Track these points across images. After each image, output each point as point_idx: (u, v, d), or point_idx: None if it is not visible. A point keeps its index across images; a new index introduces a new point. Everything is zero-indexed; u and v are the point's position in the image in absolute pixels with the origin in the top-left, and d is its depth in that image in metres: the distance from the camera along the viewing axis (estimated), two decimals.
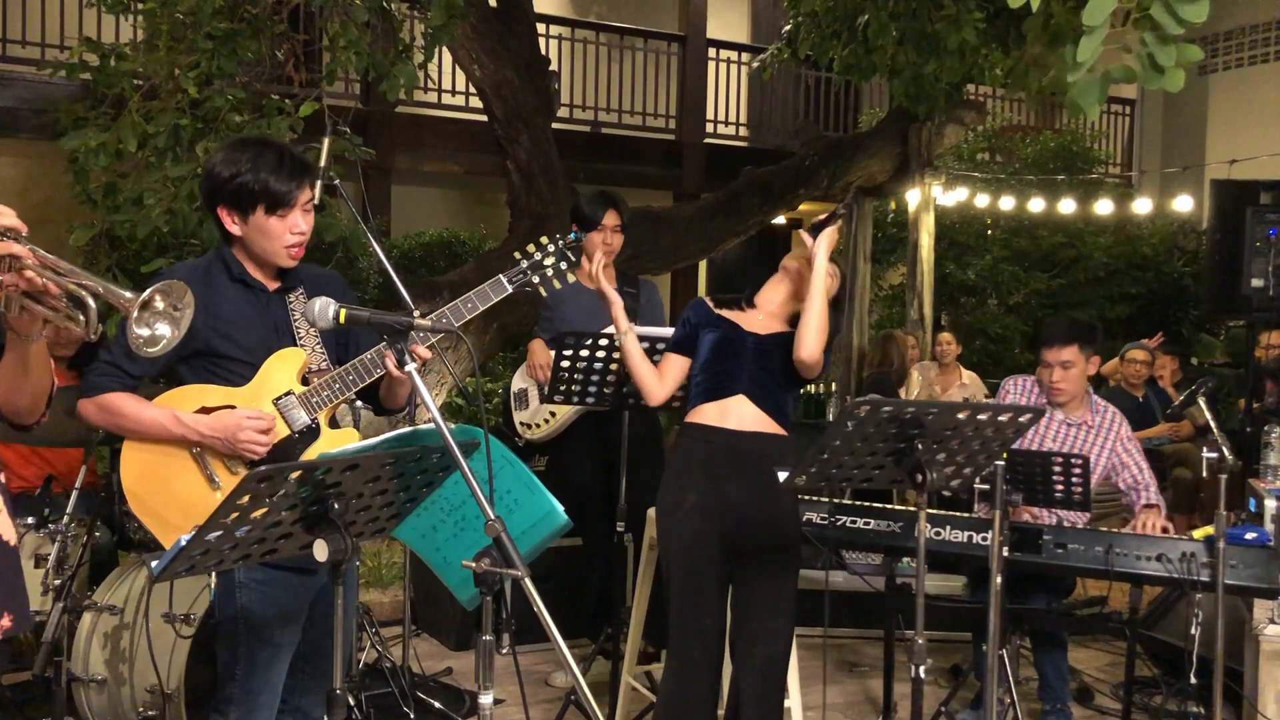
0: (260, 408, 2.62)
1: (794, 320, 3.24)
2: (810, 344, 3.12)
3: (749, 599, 3.15)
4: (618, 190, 4.75)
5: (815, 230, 3.21)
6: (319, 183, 3.38)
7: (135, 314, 1.88)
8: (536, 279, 2.82)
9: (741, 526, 3.11)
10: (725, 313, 3.32)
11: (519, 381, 4.76)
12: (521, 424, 4.70)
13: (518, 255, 2.86)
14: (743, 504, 3.10)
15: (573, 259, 2.87)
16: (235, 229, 2.62)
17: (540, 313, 4.74)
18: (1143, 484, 4.11)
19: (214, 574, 2.63)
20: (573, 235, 2.89)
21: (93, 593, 3.78)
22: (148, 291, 1.90)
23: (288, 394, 2.64)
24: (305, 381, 2.67)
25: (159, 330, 1.93)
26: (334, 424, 2.74)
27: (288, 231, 2.61)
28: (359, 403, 2.95)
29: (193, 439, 2.57)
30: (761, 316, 3.29)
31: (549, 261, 2.83)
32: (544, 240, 2.86)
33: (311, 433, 2.66)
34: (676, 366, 3.34)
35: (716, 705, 3.27)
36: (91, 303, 1.87)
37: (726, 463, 3.11)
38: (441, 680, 4.66)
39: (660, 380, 3.34)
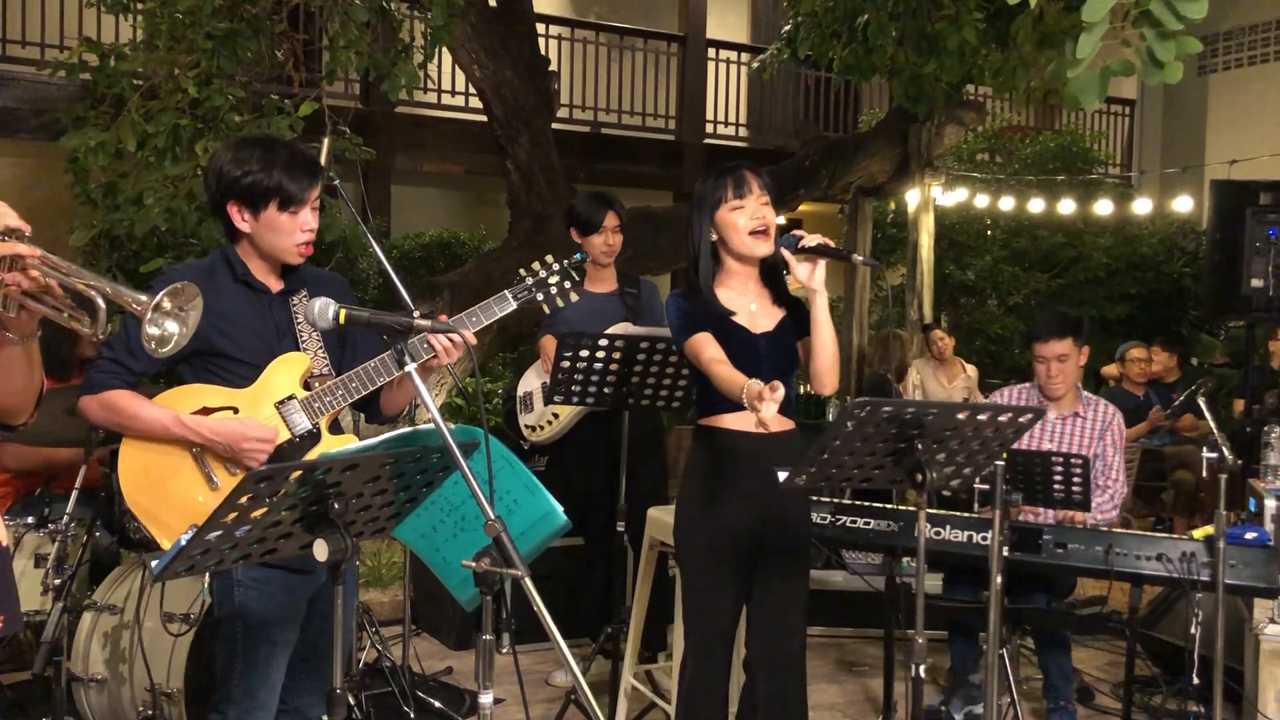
0: (262, 411, 2.62)
1: (776, 295, 3.15)
2: (830, 381, 3.10)
3: (767, 598, 3.13)
4: (616, 190, 4.75)
5: (789, 244, 3.00)
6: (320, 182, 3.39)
7: (149, 316, 1.88)
8: (540, 296, 2.85)
9: (767, 528, 3.10)
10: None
11: (524, 385, 4.76)
12: (526, 426, 4.70)
13: (523, 272, 2.88)
14: (768, 505, 3.09)
15: (576, 279, 2.89)
16: (245, 226, 2.64)
17: (542, 318, 4.75)
18: (1102, 484, 4.11)
19: (209, 574, 2.63)
20: (578, 255, 2.92)
21: (93, 592, 3.78)
22: (159, 295, 1.90)
23: (290, 398, 2.65)
24: (308, 386, 2.68)
25: (169, 329, 1.93)
26: (335, 429, 2.74)
27: (298, 229, 2.64)
28: None
29: (194, 440, 2.57)
30: (754, 308, 3.12)
31: (553, 280, 2.85)
32: (549, 259, 2.89)
33: (312, 437, 2.67)
34: (708, 341, 3.00)
35: (728, 705, 3.27)
36: (100, 303, 1.87)
37: (753, 466, 3.09)
38: (441, 680, 4.66)
39: (726, 359, 2.98)
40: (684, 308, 3.10)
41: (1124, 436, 4.23)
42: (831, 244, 2.99)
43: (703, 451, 3.14)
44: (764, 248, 3.05)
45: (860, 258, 3.09)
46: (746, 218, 3.04)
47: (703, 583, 3.11)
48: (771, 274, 3.15)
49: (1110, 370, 9.11)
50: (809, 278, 3.00)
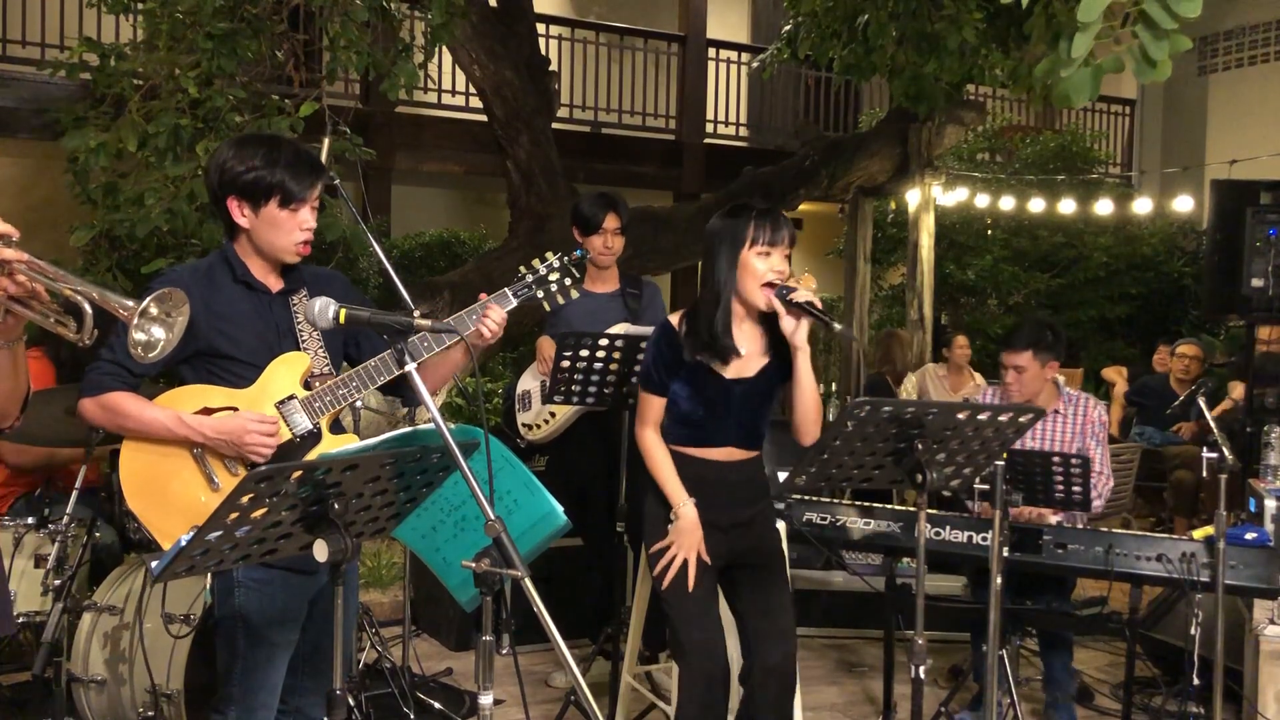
0: (263, 411, 2.62)
1: (773, 343, 3.08)
2: (811, 432, 3.05)
3: (753, 605, 3.13)
4: (618, 191, 4.75)
5: (780, 294, 2.95)
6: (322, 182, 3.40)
7: (135, 321, 1.88)
8: (540, 294, 2.84)
9: (732, 537, 3.11)
10: (703, 357, 3.05)
11: (524, 383, 4.76)
12: (523, 425, 4.70)
13: (523, 270, 2.87)
14: (732, 517, 3.10)
15: (576, 275, 2.89)
16: (244, 221, 2.63)
17: (546, 318, 4.75)
18: None
19: (211, 574, 2.63)
20: (578, 252, 2.92)
21: (93, 593, 3.78)
22: (145, 301, 1.89)
23: (290, 398, 2.64)
24: (308, 386, 2.67)
25: (155, 334, 1.93)
26: (336, 428, 2.74)
27: (297, 227, 2.64)
28: (359, 402, 2.97)
29: (196, 440, 2.57)
30: (743, 353, 3.05)
31: (553, 277, 2.85)
32: (549, 255, 2.88)
33: (313, 437, 2.67)
34: (659, 407, 3.12)
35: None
36: (88, 309, 1.86)
37: (713, 485, 3.10)
38: (441, 680, 4.66)
39: (656, 430, 3.13)
40: (666, 357, 3.06)
41: (1105, 429, 4.22)
42: (819, 304, 2.94)
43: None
44: (764, 301, 2.99)
45: (840, 326, 2.96)
46: (768, 267, 2.97)
47: (688, 594, 3.08)
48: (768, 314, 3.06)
49: (1109, 373, 9.13)
50: (793, 333, 2.96)
